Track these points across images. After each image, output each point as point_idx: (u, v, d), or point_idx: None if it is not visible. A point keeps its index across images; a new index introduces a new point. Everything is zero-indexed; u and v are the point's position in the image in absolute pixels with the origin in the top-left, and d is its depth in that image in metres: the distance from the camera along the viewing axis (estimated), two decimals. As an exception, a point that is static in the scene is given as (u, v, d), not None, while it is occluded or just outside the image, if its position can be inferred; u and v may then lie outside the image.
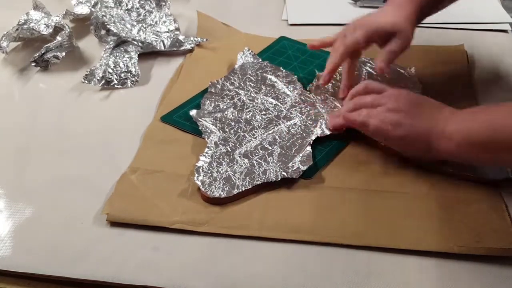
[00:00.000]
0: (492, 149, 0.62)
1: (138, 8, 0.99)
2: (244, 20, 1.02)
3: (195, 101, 0.81)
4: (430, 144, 0.66)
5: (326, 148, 0.74)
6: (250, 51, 0.89)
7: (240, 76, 0.84)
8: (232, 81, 0.83)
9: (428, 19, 0.86)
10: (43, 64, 0.90)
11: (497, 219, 0.64)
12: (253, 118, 0.76)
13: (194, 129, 0.76)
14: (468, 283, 0.58)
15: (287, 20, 1.03)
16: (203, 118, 0.76)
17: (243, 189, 0.66)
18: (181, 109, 0.80)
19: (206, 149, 0.71)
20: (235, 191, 0.66)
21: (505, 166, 0.69)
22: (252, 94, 0.80)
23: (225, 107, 0.78)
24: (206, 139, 0.73)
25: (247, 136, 0.74)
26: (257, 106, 0.78)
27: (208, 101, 0.79)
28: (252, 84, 0.82)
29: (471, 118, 0.65)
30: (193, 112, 0.77)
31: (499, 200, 0.66)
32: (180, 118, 0.78)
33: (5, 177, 0.72)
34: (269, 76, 0.83)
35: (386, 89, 0.73)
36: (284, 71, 0.85)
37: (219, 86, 0.82)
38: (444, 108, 0.69)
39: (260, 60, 0.88)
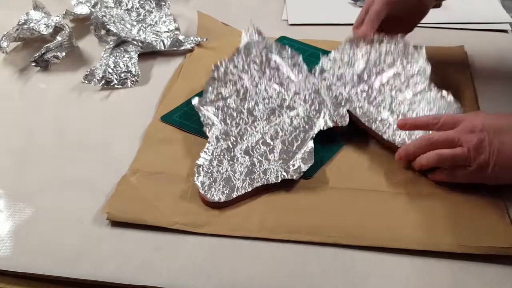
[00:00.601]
0: None
1: (138, 8, 0.99)
2: (244, 20, 1.01)
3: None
4: None
5: (327, 146, 0.73)
6: (255, 26, 0.87)
7: (244, 58, 0.82)
8: (236, 63, 0.81)
9: (429, 19, 0.86)
10: (43, 64, 0.90)
11: (496, 218, 0.64)
12: (256, 108, 0.75)
13: (194, 128, 0.76)
14: (469, 283, 0.58)
15: (287, 20, 1.03)
16: (205, 107, 0.75)
17: (243, 191, 0.66)
18: (180, 109, 0.80)
19: (207, 145, 0.71)
20: (234, 194, 0.66)
21: None
22: (255, 80, 0.79)
23: (227, 94, 0.77)
24: (207, 132, 0.73)
25: (249, 129, 0.73)
26: (260, 94, 0.77)
27: (211, 88, 0.78)
28: (256, 68, 0.80)
29: None
30: (195, 101, 0.77)
31: (499, 199, 0.66)
32: (180, 118, 0.78)
33: (5, 177, 0.72)
34: (273, 58, 0.82)
35: (459, 121, 0.67)
36: (290, 50, 0.83)
37: (222, 70, 0.80)
38: None
39: (265, 38, 0.86)
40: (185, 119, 0.78)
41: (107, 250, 0.61)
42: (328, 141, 0.74)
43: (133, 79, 0.87)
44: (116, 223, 0.64)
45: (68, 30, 0.93)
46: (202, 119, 0.74)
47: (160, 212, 0.65)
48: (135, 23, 0.97)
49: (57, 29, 0.95)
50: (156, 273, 0.59)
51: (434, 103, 0.75)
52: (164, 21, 0.97)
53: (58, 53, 0.90)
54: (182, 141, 0.75)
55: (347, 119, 0.74)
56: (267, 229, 0.63)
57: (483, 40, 0.93)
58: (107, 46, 0.91)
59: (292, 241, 0.62)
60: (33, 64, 0.90)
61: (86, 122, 0.80)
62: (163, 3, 0.99)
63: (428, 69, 0.80)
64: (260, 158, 0.70)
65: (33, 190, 0.69)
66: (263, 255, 0.61)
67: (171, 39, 0.94)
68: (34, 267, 0.59)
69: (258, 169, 0.68)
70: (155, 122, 0.78)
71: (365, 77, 0.79)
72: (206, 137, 0.74)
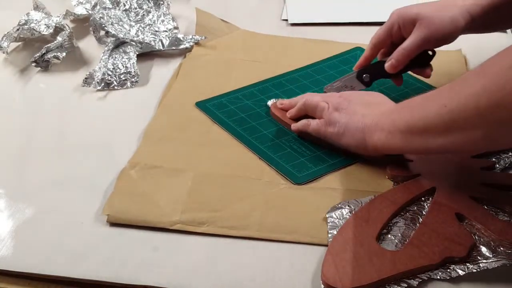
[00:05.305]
0: (413, 133, 0.63)
1: (136, 8, 0.99)
2: (243, 20, 1.02)
3: (233, 94, 0.83)
4: (365, 139, 0.68)
5: (331, 161, 0.72)
6: None
7: None
8: None
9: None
10: (44, 64, 0.90)
11: None
12: None
13: (219, 118, 0.78)
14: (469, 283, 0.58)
15: (287, 19, 1.03)
16: None
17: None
18: (217, 99, 0.82)
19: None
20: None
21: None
22: None
23: None
24: None
25: None
26: None
27: None
28: None
29: (399, 107, 0.67)
30: None
31: None
32: (213, 107, 0.81)
33: (5, 177, 0.72)
34: None
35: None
36: None
37: None
38: (386, 104, 0.70)
39: None
40: (217, 108, 0.80)
41: (107, 249, 0.62)
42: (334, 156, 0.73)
43: (133, 79, 0.88)
44: (116, 223, 0.64)
45: (69, 30, 0.94)
46: None
47: (159, 210, 0.65)
48: (133, 23, 0.97)
49: (58, 30, 0.95)
50: (156, 273, 0.59)
51: None
52: (163, 20, 0.97)
53: (59, 53, 0.90)
54: (181, 140, 0.75)
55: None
56: (267, 229, 0.63)
57: (482, 40, 0.92)
58: (106, 48, 0.91)
59: (292, 241, 0.62)
60: (33, 64, 0.90)
61: (86, 122, 0.80)
62: (162, 2, 0.99)
63: None
64: None
65: (33, 190, 0.69)
66: (262, 255, 0.61)
67: (170, 38, 0.94)
68: (34, 267, 0.60)
69: None
70: (154, 121, 0.79)
71: None
72: (228, 129, 0.76)
